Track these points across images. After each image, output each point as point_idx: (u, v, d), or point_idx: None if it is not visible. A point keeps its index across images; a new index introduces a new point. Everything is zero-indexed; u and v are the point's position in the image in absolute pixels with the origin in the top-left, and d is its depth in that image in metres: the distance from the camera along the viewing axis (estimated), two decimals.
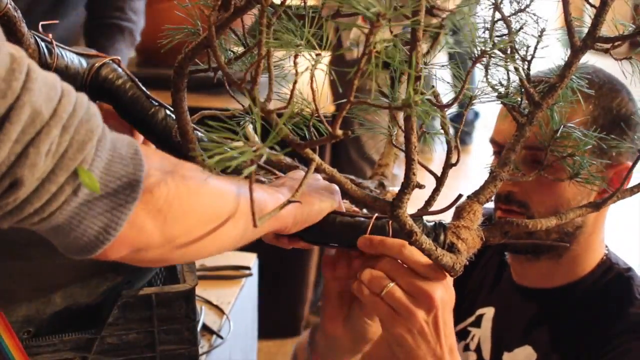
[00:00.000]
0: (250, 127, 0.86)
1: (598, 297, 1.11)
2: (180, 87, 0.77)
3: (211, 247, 0.70)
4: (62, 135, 0.55)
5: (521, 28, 0.78)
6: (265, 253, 1.46)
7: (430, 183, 0.79)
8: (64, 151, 0.56)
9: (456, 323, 0.83)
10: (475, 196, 0.80)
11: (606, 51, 0.76)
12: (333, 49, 0.63)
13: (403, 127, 0.65)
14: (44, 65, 0.85)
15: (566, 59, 0.78)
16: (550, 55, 0.83)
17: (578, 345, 1.08)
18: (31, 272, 0.93)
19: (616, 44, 0.75)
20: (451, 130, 0.83)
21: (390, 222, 0.79)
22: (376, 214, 0.81)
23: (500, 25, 0.79)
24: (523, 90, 0.80)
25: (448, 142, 0.79)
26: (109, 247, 0.60)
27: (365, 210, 0.87)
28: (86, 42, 1.70)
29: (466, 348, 1.20)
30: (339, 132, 0.52)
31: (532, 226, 0.80)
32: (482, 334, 1.19)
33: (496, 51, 0.77)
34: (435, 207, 0.82)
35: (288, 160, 0.94)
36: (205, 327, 1.34)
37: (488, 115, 4.20)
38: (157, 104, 0.89)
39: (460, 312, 1.18)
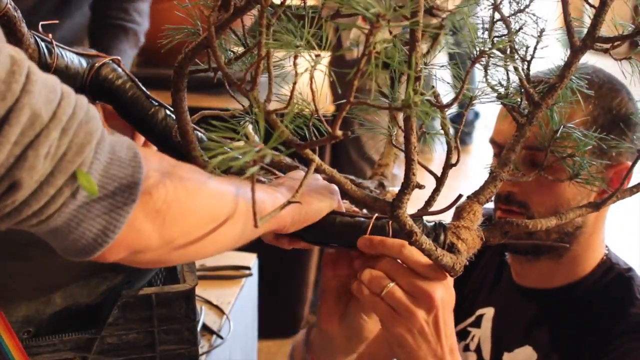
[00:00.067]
0: (250, 127, 0.86)
1: (598, 297, 1.11)
2: (180, 87, 0.77)
3: (210, 248, 0.70)
4: (61, 138, 0.55)
5: (520, 28, 0.78)
6: (265, 253, 1.46)
7: (430, 183, 0.79)
8: (62, 154, 0.56)
9: (456, 323, 0.83)
10: (475, 196, 0.80)
11: (606, 51, 0.76)
12: (333, 50, 0.64)
13: (403, 128, 0.65)
14: (44, 65, 0.85)
15: (566, 59, 0.78)
16: (549, 56, 0.83)
17: (579, 345, 1.08)
18: (31, 272, 0.93)
19: (616, 44, 0.75)
20: (451, 131, 0.83)
21: (390, 222, 0.79)
22: (376, 214, 0.81)
23: (499, 25, 0.79)
24: (523, 90, 0.80)
25: (448, 143, 0.79)
26: (107, 250, 0.60)
27: (365, 211, 0.87)
28: (90, 42, 1.70)
29: (466, 348, 1.20)
30: (339, 132, 0.52)
31: (532, 226, 0.80)
32: (482, 334, 1.19)
33: (495, 51, 0.77)
34: (435, 207, 0.82)
35: (288, 160, 0.94)
36: (205, 327, 1.34)
37: (488, 115, 4.20)
38: (157, 104, 0.89)
39: (460, 312, 1.18)
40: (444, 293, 0.77)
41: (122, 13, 1.69)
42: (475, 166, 3.58)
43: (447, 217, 0.81)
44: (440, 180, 0.79)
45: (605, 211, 1.11)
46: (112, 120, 0.94)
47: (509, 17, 0.79)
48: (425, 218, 0.80)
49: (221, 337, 1.33)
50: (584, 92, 0.83)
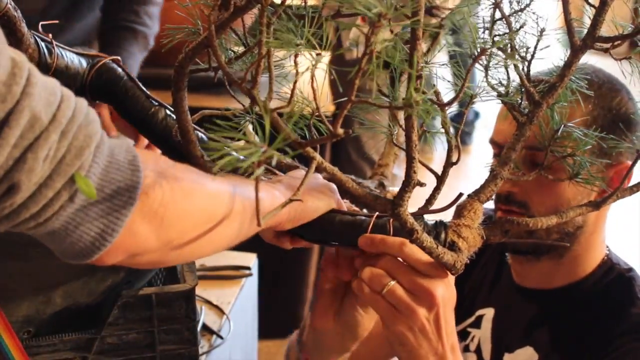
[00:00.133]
0: (250, 127, 0.86)
1: (599, 297, 1.11)
2: (180, 86, 0.77)
3: (207, 248, 0.70)
4: (61, 141, 0.56)
5: (521, 27, 0.78)
6: (265, 253, 1.46)
7: (430, 182, 0.79)
8: (61, 157, 0.56)
9: (456, 324, 0.83)
10: (476, 195, 0.80)
11: (606, 51, 0.76)
12: (333, 49, 0.64)
13: (403, 126, 0.65)
14: (44, 65, 0.84)
15: (566, 58, 0.78)
16: (550, 56, 0.83)
17: (579, 345, 1.08)
18: (31, 272, 0.93)
19: (616, 43, 0.75)
20: (451, 130, 0.83)
21: (391, 220, 0.79)
22: (377, 213, 0.81)
23: (500, 25, 0.79)
24: (523, 89, 0.80)
25: (448, 141, 0.79)
26: (105, 253, 0.60)
27: (366, 210, 0.87)
28: (99, 43, 1.70)
29: (466, 349, 1.20)
30: (340, 130, 0.52)
31: (532, 224, 0.80)
32: (482, 335, 1.19)
33: (495, 50, 0.77)
34: (435, 207, 0.82)
35: (288, 160, 0.94)
36: (205, 327, 1.34)
37: (488, 115, 4.20)
38: (157, 103, 0.89)
39: (460, 312, 1.18)
40: (445, 291, 0.77)
41: (133, 16, 1.69)
42: (476, 166, 3.58)
43: (447, 216, 0.81)
44: (440, 179, 0.79)
45: (606, 211, 1.11)
46: (119, 120, 0.94)
47: (509, 15, 0.79)
48: (425, 217, 0.80)
49: (221, 337, 1.33)
50: (584, 92, 0.83)
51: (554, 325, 1.12)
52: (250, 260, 1.58)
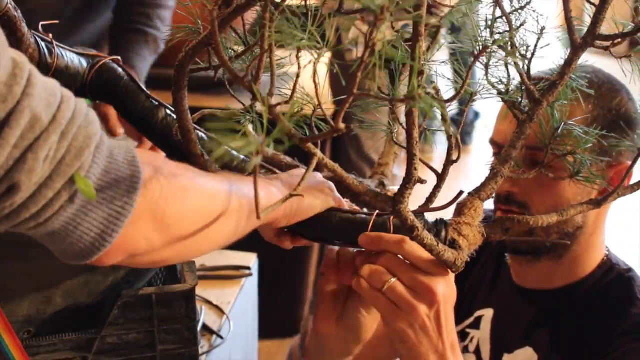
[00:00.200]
0: (250, 127, 0.86)
1: (599, 298, 1.11)
2: (181, 85, 0.77)
3: (204, 246, 0.70)
4: (61, 142, 0.56)
5: (521, 25, 0.78)
6: (265, 253, 1.47)
7: (430, 181, 0.79)
8: (61, 157, 0.56)
9: (455, 324, 0.83)
10: (477, 193, 0.80)
11: (606, 49, 0.76)
12: (333, 50, 0.64)
13: (404, 124, 0.65)
14: (44, 65, 0.84)
15: (566, 57, 0.78)
16: (550, 55, 0.83)
17: (579, 346, 1.08)
18: (31, 272, 0.93)
19: (616, 42, 0.75)
20: (452, 128, 0.83)
21: (392, 218, 0.79)
22: (377, 211, 0.81)
23: (500, 23, 0.79)
24: (523, 87, 0.81)
25: (449, 139, 0.79)
26: (104, 253, 0.60)
27: (366, 210, 0.87)
28: (109, 45, 1.70)
29: (465, 350, 1.19)
30: (342, 125, 0.52)
31: (533, 222, 0.80)
32: (482, 336, 1.19)
33: (496, 48, 0.77)
34: (435, 206, 0.82)
35: (288, 159, 0.94)
36: (205, 327, 1.34)
37: (488, 115, 4.21)
38: (157, 103, 0.89)
39: (459, 313, 1.18)
40: (445, 288, 0.77)
41: (144, 18, 1.69)
42: (476, 166, 3.59)
43: (448, 215, 0.81)
44: (441, 177, 0.79)
45: (606, 212, 1.11)
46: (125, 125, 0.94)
47: (510, 13, 0.79)
48: (426, 215, 0.80)
49: (221, 337, 1.33)
50: (584, 91, 0.83)
51: (554, 325, 1.12)
52: (250, 260, 1.58)
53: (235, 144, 0.47)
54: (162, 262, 0.70)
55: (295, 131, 0.55)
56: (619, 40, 0.76)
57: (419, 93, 0.48)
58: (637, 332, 1.05)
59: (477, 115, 4.64)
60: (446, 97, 0.72)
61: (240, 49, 0.82)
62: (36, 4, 1.60)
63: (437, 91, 0.71)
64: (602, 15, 0.74)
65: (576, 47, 0.76)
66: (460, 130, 0.81)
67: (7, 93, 0.53)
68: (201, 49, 0.74)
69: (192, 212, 0.66)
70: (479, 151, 4.23)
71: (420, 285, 0.76)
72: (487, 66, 0.80)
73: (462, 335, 1.20)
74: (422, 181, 0.71)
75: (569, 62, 0.77)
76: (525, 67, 0.81)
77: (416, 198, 0.77)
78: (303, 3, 0.74)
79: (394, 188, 0.97)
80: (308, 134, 0.80)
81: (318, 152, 0.60)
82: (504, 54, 0.79)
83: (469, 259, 0.79)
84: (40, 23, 0.88)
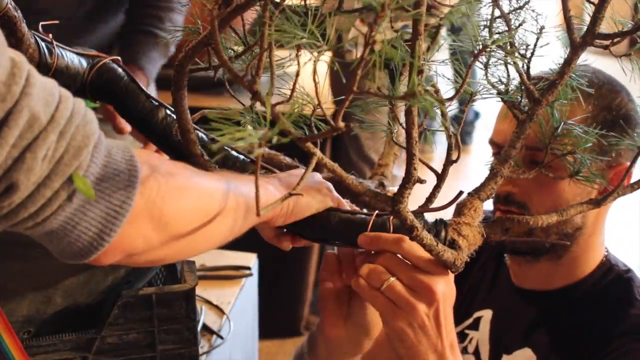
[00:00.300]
0: (250, 128, 0.86)
1: (598, 298, 1.11)
2: (180, 85, 0.77)
3: (202, 244, 0.70)
4: (59, 141, 0.56)
5: (520, 25, 0.78)
6: (265, 253, 1.47)
7: (430, 181, 0.79)
8: (60, 157, 0.56)
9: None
10: (476, 193, 0.80)
11: (605, 48, 0.76)
12: (334, 49, 0.64)
13: (404, 124, 0.65)
14: (44, 65, 0.84)
15: (565, 56, 0.78)
16: (549, 54, 0.83)
17: (578, 346, 1.08)
18: (31, 272, 0.93)
19: (615, 40, 0.75)
20: (451, 128, 0.83)
21: (391, 218, 0.79)
22: (376, 211, 0.81)
23: (499, 22, 0.79)
24: (523, 87, 0.81)
25: (449, 139, 0.79)
26: (102, 253, 0.60)
27: (366, 210, 0.87)
28: (119, 45, 1.70)
29: (464, 351, 1.19)
30: (341, 124, 0.52)
31: (533, 223, 0.80)
32: (481, 337, 1.19)
33: (495, 48, 0.77)
34: (435, 206, 0.82)
35: (288, 159, 0.95)
36: (205, 327, 1.34)
37: (488, 115, 4.21)
38: (157, 103, 0.89)
39: (458, 314, 1.18)
40: (445, 287, 0.77)
41: (156, 21, 1.69)
42: (475, 166, 3.58)
43: (447, 215, 0.81)
44: (441, 177, 0.79)
45: (605, 212, 1.11)
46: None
47: (509, 13, 0.79)
48: (426, 215, 0.80)
49: (221, 337, 1.33)
50: (584, 92, 0.83)
51: (553, 326, 1.12)
52: (250, 260, 1.58)
53: (238, 134, 0.47)
54: (160, 260, 0.71)
55: (295, 130, 0.55)
56: (619, 39, 0.76)
57: (419, 90, 0.48)
58: (636, 332, 1.05)
59: (477, 115, 4.64)
60: (446, 97, 0.72)
61: (240, 48, 0.82)
62: (49, 2, 1.60)
63: (437, 90, 0.71)
64: (601, 14, 0.74)
65: (575, 46, 0.76)
66: (460, 130, 0.81)
67: (5, 93, 0.53)
68: (201, 49, 0.74)
69: (189, 211, 0.66)
70: (479, 151, 4.23)
71: (419, 284, 0.76)
72: (486, 66, 0.80)
73: (461, 336, 1.20)
74: (421, 181, 0.71)
75: (569, 62, 0.77)
76: (525, 67, 0.81)
77: (416, 198, 0.77)
78: (302, 2, 0.74)
79: (394, 189, 0.97)
80: (308, 133, 0.80)
81: (317, 151, 0.60)
82: (503, 53, 0.79)
83: (468, 259, 0.79)
84: (41, 23, 0.88)
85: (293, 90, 0.58)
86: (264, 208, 0.59)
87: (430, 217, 0.80)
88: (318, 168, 0.68)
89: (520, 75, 0.80)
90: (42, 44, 0.86)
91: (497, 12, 0.79)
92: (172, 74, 0.78)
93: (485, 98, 0.81)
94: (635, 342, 1.03)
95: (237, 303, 1.45)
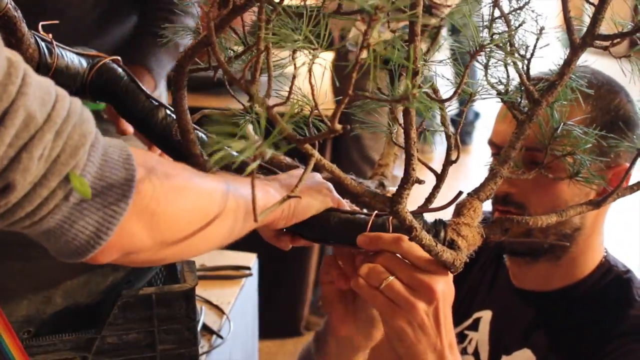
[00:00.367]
0: (250, 127, 0.86)
1: (597, 299, 1.11)
2: (180, 85, 0.77)
3: (201, 245, 0.70)
4: (55, 140, 0.56)
5: (520, 25, 0.78)
6: (265, 253, 1.47)
7: (430, 181, 0.79)
8: (56, 156, 0.56)
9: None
10: (476, 193, 0.80)
11: (605, 49, 0.76)
12: (336, 49, 0.64)
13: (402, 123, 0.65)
14: (44, 65, 0.85)
15: (565, 57, 0.78)
16: (549, 55, 0.83)
17: (577, 347, 1.08)
18: (31, 272, 0.93)
19: (615, 41, 0.75)
20: (451, 128, 0.83)
21: (391, 218, 0.79)
22: (376, 212, 0.81)
23: (499, 23, 0.79)
24: (522, 88, 0.81)
25: (448, 139, 0.79)
26: (100, 251, 0.60)
27: (366, 210, 0.87)
28: (130, 46, 1.70)
29: (464, 352, 1.19)
30: (338, 126, 0.52)
31: (532, 223, 0.80)
32: (480, 338, 1.19)
33: (494, 47, 0.77)
34: (434, 206, 0.82)
35: (288, 160, 0.94)
36: (205, 327, 1.34)
37: (488, 115, 4.21)
38: (157, 103, 0.89)
39: (457, 315, 1.18)
40: (444, 286, 0.77)
41: (167, 24, 1.70)
42: (475, 166, 3.59)
43: (447, 215, 0.81)
44: (440, 177, 0.79)
45: (604, 213, 1.11)
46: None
47: (508, 14, 0.79)
48: (425, 215, 0.80)
49: (221, 337, 1.33)
50: (584, 92, 0.83)
51: (552, 327, 1.12)
52: (250, 260, 1.58)
53: (234, 147, 0.47)
54: (159, 260, 0.71)
55: (293, 132, 0.55)
56: (618, 40, 0.75)
57: (413, 93, 0.48)
58: (635, 333, 1.05)
59: (477, 115, 4.64)
60: (446, 97, 0.72)
61: (240, 49, 0.82)
62: (64, 2, 1.60)
63: (436, 91, 0.71)
64: (601, 15, 0.74)
65: (575, 47, 0.76)
66: (460, 131, 0.81)
67: (1, 92, 0.53)
68: (200, 49, 0.74)
69: (187, 212, 0.66)
70: (479, 151, 4.23)
71: (418, 283, 0.76)
72: (486, 66, 0.80)
73: (461, 337, 1.20)
74: (420, 181, 0.71)
75: (568, 62, 0.77)
76: (525, 68, 0.81)
77: (415, 198, 0.77)
78: (300, 3, 0.74)
79: (393, 189, 0.97)
80: (307, 133, 0.80)
81: (315, 152, 0.60)
82: (503, 54, 0.79)
83: (467, 260, 0.79)
84: (40, 23, 0.88)
85: (290, 92, 0.58)
86: (262, 212, 0.59)
87: (429, 217, 0.80)
88: (317, 169, 0.68)
89: (520, 75, 0.80)
90: (42, 44, 0.86)
91: (497, 13, 0.79)
92: (172, 74, 0.78)
93: (484, 98, 0.81)
94: (635, 342, 1.03)
95: (237, 303, 1.45)
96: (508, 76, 0.82)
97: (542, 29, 0.80)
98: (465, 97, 0.80)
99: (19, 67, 0.54)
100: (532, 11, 0.79)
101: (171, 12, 1.69)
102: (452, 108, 0.87)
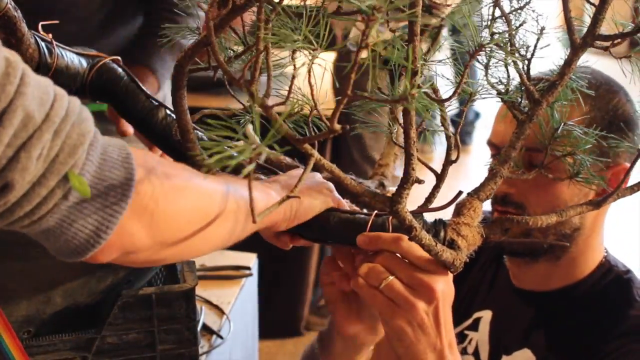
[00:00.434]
0: (250, 127, 0.86)
1: (597, 299, 1.11)
2: (180, 85, 0.77)
3: (201, 246, 0.70)
4: (54, 140, 0.56)
5: (521, 25, 0.78)
6: (265, 253, 1.47)
7: (430, 181, 0.79)
8: (55, 155, 0.56)
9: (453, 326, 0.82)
10: (476, 193, 0.80)
11: (606, 49, 0.76)
12: (338, 50, 0.63)
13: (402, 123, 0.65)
14: (44, 65, 0.85)
15: (566, 57, 0.78)
16: (550, 56, 0.83)
17: (577, 347, 1.08)
18: (31, 272, 0.93)
19: (616, 42, 0.75)
20: (451, 128, 0.83)
21: (390, 218, 0.79)
22: (376, 212, 0.81)
23: (500, 23, 0.79)
24: (523, 88, 0.80)
25: (448, 139, 0.79)
26: (99, 251, 0.60)
27: (366, 210, 0.87)
28: (135, 46, 1.70)
29: (464, 352, 1.19)
30: (337, 126, 0.52)
31: (532, 223, 0.80)
32: (480, 338, 1.19)
33: (494, 47, 0.77)
34: (434, 206, 0.82)
35: (288, 160, 0.94)
36: (205, 327, 1.34)
37: (489, 115, 4.20)
38: (157, 103, 0.89)
39: (457, 315, 1.18)
40: (444, 286, 0.77)
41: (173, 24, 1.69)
42: (475, 166, 3.59)
43: (447, 215, 0.81)
44: (440, 177, 0.79)
45: (604, 213, 1.11)
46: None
47: (509, 13, 0.79)
48: (425, 215, 0.80)
49: (221, 337, 1.33)
50: (584, 92, 0.83)
51: (552, 327, 1.12)
52: (250, 260, 1.58)
53: (232, 150, 0.47)
54: (159, 261, 0.70)
55: (292, 132, 0.55)
56: (619, 40, 0.75)
57: (412, 93, 0.48)
58: (635, 333, 1.04)
59: (477, 115, 4.64)
60: (446, 97, 0.72)
61: (239, 49, 0.82)
62: (70, 3, 1.60)
63: (436, 91, 0.71)
64: (601, 15, 0.74)
65: (576, 47, 0.76)
66: (460, 130, 0.81)
67: (0, 92, 0.53)
68: (200, 49, 0.74)
69: (187, 212, 0.66)
70: (479, 151, 4.23)
71: (418, 282, 0.76)
72: (486, 66, 0.80)
73: (461, 337, 1.20)
74: (419, 181, 0.71)
75: (569, 63, 0.77)
76: (525, 68, 0.81)
77: (415, 198, 0.76)
78: (300, 3, 0.74)
79: (393, 189, 0.97)
80: (307, 133, 0.80)
81: (315, 152, 0.60)
82: (503, 54, 0.79)
83: (467, 260, 0.79)
84: (40, 23, 0.88)
85: (289, 92, 0.58)
86: (260, 214, 0.59)
87: (429, 217, 0.80)
88: (316, 169, 0.68)
89: (521, 75, 0.80)
90: (42, 44, 0.86)
91: (497, 12, 0.79)
92: (172, 74, 0.78)
93: (484, 98, 0.81)
94: (635, 342, 1.03)
95: (237, 303, 1.45)
96: (508, 76, 0.82)
97: (542, 28, 0.79)
98: (465, 97, 0.80)
99: (17, 67, 0.54)
100: (533, 11, 0.79)
101: (175, 13, 1.69)
102: (452, 108, 0.87)
